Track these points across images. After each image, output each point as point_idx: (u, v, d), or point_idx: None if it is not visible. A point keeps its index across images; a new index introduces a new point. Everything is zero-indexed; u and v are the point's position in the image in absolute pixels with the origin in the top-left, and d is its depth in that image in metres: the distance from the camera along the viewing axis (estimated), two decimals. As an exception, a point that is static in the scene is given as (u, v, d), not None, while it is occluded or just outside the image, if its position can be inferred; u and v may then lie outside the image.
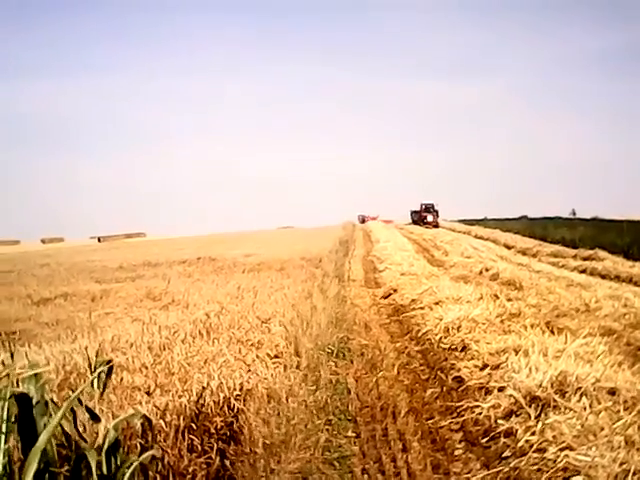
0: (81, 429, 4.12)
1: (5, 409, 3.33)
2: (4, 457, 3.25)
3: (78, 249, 49.40)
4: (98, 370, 4.09)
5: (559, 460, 5.06)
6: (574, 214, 69.83)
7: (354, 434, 6.64)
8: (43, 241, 79.53)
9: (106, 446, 3.69)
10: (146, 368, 6.85)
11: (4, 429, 3.30)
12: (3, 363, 3.73)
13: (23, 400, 3.38)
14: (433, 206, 64.69)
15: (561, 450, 5.18)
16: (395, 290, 15.74)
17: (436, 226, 59.75)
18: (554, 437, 5.43)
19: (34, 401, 3.41)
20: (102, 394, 4.97)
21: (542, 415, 5.90)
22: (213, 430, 5.55)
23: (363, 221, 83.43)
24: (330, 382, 8.27)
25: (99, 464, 3.57)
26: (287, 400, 6.60)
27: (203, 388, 5.91)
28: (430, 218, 62.59)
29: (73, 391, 4.14)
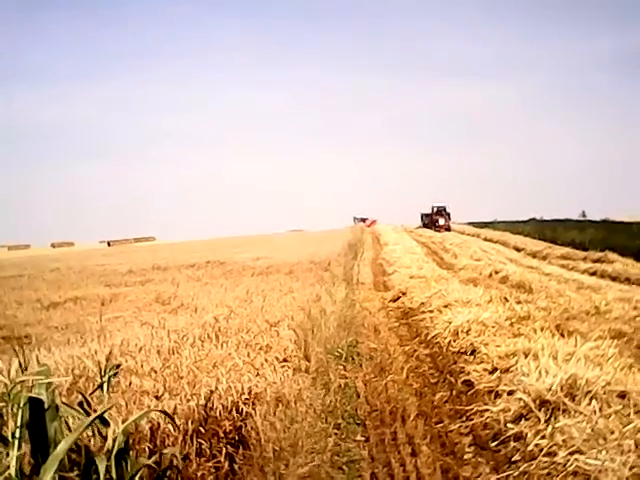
0: (89, 433, 4.14)
1: (19, 415, 3.35)
2: (17, 462, 3.26)
3: (88, 253, 49.60)
4: (108, 374, 4.09)
5: (569, 464, 5.04)
6: (584, 216, 69.54)
7: (363, 438, 6.62)
8: (53, 245, 79.93)
9: (115, 450, 3.69)
10: (155, 372, 6.85)
11: (17, 434, 3.32)
12: (21, 367, 3.73)
13: (35, 405, 3.39)
14: (445, 209, 62.26)
15: (571, 454, 5.16)
16: (404, 293, 15.70)
17: (448, 229, 58.00)
18: (564, 441, 5.40)
19: (45, 406, 3.42)
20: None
21: (552, 419, 5.87)
22: (222, 434, 5.56)
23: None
24: (339, 386, 8.25)
25: (108, 468, 3.57)
26: (296, 404, 6.59)
27: (211, 392, 5.91)
28: (442, 221, 60.37)
29: (83, 395, 4.15)
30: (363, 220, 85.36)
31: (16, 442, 3.32)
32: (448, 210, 62.07)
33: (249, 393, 6.14)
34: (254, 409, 5.91)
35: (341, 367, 9.26)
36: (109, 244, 74.18)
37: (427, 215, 64.74)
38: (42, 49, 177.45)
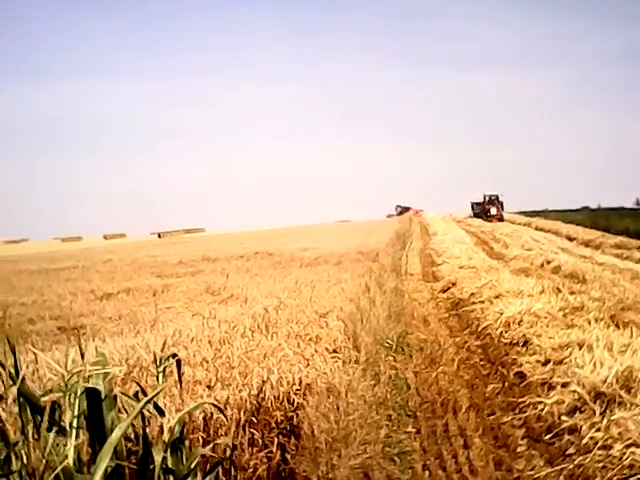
0: (145, 422, 4.21)
1: (76, 405, 3.42)
2: (75, 452, 3.33)
3: (139, 245, 50.39)
4: (163, 364, 4.15)
5: (625, 457, 4.96)
6: (639, 204, 67.96)
7: (414, 430, 6.60)
8: (105, 237, 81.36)
9: (170, 440, 3.74)
10: (207, 362, 6.93)
11: (75, 424, 3.39)
12: (82, 355, 3.82)
13: (92, 395, 3.47)
14: (498, 197, 59.56)
15: (627, 447, 5.08)
16: (454, 284, 15.59)
17: (500, 219, 55.17)
18: (620, 434, 5.31)
19: (102, 395, 3.49)
20: (181, 387, 5.08)
21: (607, 411, 5.78)
22: (273, 424, 5.60)
23: (400, 214, 79.82)
24: (389, 377, 8.24)
25: (164, 458, 3.63)
26: (346, 395, 6.59)
27: (263, 382, 5.95)
28: (494, 211, 57.48)
29: (138, 384, 4.22)
30: (406, 209, 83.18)
31: (74, 432, 3.39)
32: (501, 199, 59.71)
33: (300, 384, 6.17)
34: (305, 399, 5.94)
35: (391, 358, 9.25)
36: (159, 236, 75.08)
37: (478, 204, 62.23)
38: (50, 41, 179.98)
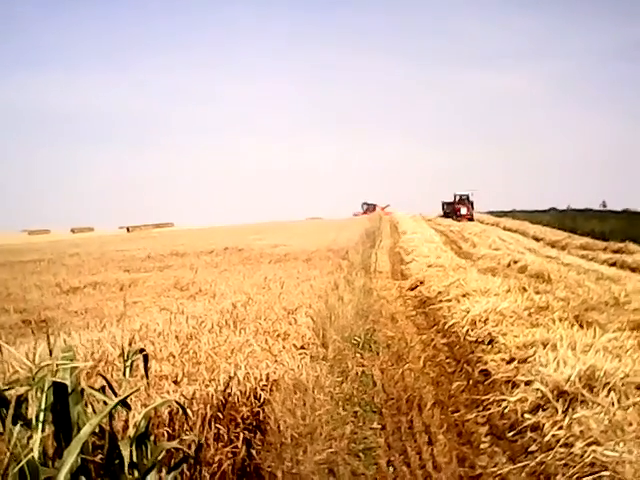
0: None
1: (43, 399, 3.40)
2: (40, 445, 3.31)
3: (107, 239, 49.91)
4: (130, 359, 4.14)
5: (586, 455, 5.03)
6: (605, 206, 68.93)
7: (380, 426, 6.65)
8: (73, 231, 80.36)
9: (136, 435, 3.73)
10: (174, 357, 6.92)
11: (42, 418, 3.37)
12: (50, 349, 3.79)
13: (59, 389, 3.44)
14: (468, 197, 58.78)
15: (588, 445, 5.15)
16: (422, 282, 15.69)
17: (470, 219, 54.56)
18: (581, 432, 5.40)
19: (69, 389, 3.47)
20: (148, 382, 5.06)
21: (570, 410, 5.87)
22: (239, 420, 5.60)
23: (366, 212, 77.28)
24: (356, 374, 8.28)
25: (129, 452, 3.62)
26: (313, 391, 6.63)
27: (230, 378, 5.95)
28: (464, 210, 56.69)
29: (105, 379, 4.20)
30: (372, 207, 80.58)
31: (40, 425, 3.37)
32: (471, 199, 58.99)
33: (267, 379, 6.18)
34: (272, 395, 5.95)
35: (358, 355, 9.29)
36: (128, 230, 74.33)
37: (449, 204, 61.28)
38: (54, 33, 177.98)
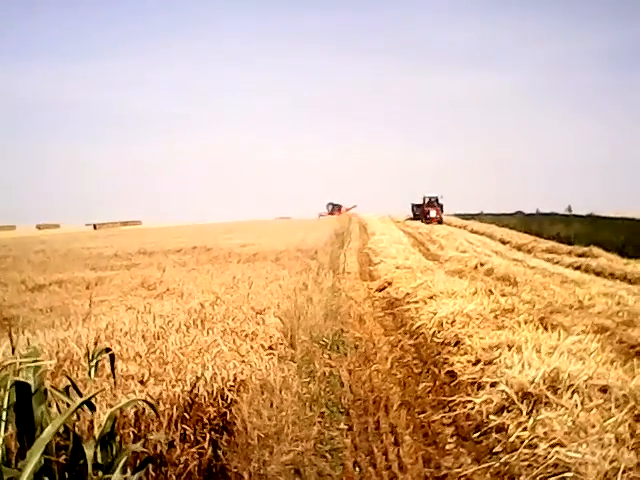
0: (75, 417, 4.14)
1: (6, 398, 3.35)
2: (2, 445, 3.26)
3: (74, 236, 49.32)
4: (96, 358, 4.10)
5: (550, 456, 5.10)
6: (570, 210, 69.90)
7: (346, 427, 6.66)
8: (39, 227, 79.34)
9: (101, 435, 3.70)
10: (140, 357, 6.86)
11: (4, 417, 3.32)
12: (13, 348, 3.73)
13: (22, 388, 3.40)
14: (437, 199, 57.69)
15: (552, 446, 5.22)
16: (390, 283, 15.76)
17: (440, 222, 53.52)
18: (545, 433, 5.46)
19: (32, 389, 3.43)
20: (115, 382, 5.00)
21: (534, 411, 5.94)
22: (206, 420, 5.57)
23: (332, 212, 76.72)
24: (324, 374, 8.29)
25: (94, 453, 3.58)
26: (281, 392, 6.61)
27: (197, 378, 5.92)
28: (433, 213, 55.61)
29: (69, 379, 4.15)
30: (338, 207, 79.70)
31: (2, 425, 3.32)
32: (440, 201, 57.91)
33: (234, 380, 6.15)
34: (239, 396, 5.93)
35: (326, 356, 9.30)
36: (95, 227, 73.54)
37: (418, 206, 60.07)
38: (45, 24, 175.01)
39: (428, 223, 52.52)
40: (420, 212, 57.97)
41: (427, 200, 58.16)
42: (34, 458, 3.06)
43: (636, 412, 5.73)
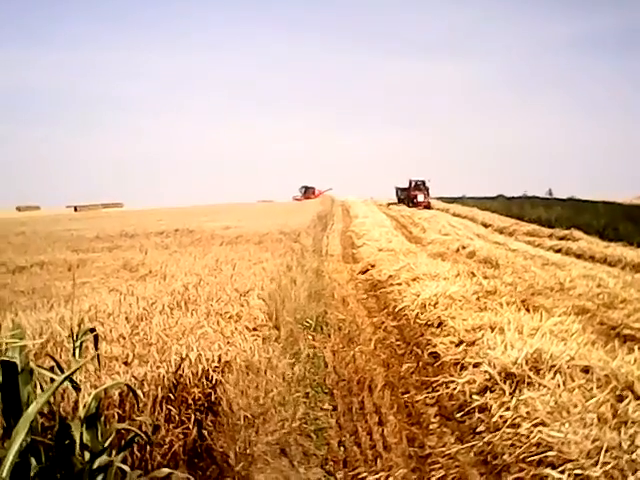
0: (59, 398, 4.13)
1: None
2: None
3: (54, 218, 48.87)
4: (80, 339, 4.07)
5: (532, 436, 5.15)
6: (550, 194, 70.29)
7: (331, 407, 6.70)
8: (19, 209, 78.55)
9: (86, 416, 3.69)
10: (124, 338, 6.83)
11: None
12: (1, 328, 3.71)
13: (8, 368, 3.38)
14: (424, 183, 54.04)
15: (534, 426, 5.28)
16: (373, 266, 15.80)
17: (428, 207, 50.01)
18: (528, 413, 5.52)
19: (19, 369, 3.41)
20: (99, 363, 4.98)
21: (516, 391, 6.00)
22: (191, 401, 5.57)
23: (307, 196, 72.74)
24: (308, 355, 8.32)
25: (80, 433, 3.57)
26: (265, 373, 6.63)
27: (181, 359, 5.91)
28: (421, 197, 52.20)
29: (53, 359, 4.13)
30: (312, 190, 75.38)
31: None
32: (427, 185, 54.28)
33: (219, 361, 6.14)
34: (224, 377, 5.93)
35: (310, 337, 9.33)
36: (76, 209, 72.90)
37: (403, 190, 56.47)
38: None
39: (414, 207, 49.92)
40: (405, 196, 54.88)
41: (414, 184, 54.71)
42: (19, 436, 3.05)
43: (617, 392, 5.81)
